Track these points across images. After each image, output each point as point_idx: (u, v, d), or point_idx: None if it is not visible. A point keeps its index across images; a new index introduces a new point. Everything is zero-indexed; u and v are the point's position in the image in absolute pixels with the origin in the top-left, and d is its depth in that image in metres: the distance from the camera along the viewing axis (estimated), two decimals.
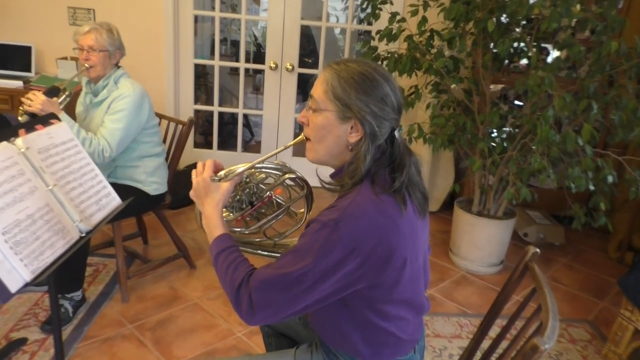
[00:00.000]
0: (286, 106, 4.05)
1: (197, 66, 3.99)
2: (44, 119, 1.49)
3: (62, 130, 1.52)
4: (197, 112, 4.19)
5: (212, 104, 4.28)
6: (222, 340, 2.33)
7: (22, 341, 2.20)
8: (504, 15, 2.67)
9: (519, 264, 1.36)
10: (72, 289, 2.36)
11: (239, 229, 1.43)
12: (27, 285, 1.18)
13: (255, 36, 6.25)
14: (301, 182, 1.40)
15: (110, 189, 1.62)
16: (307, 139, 1.20)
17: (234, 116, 4.98)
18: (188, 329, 2.38)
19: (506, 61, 2.90)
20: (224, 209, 1.39)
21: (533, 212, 3.64)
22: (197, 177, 1.29)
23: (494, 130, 2.92)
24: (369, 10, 2.84)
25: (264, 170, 1.38)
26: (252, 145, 5.16)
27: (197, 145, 4.36)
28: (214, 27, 3.97)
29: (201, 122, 5.16)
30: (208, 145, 4.53)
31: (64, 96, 2.29)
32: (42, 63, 3.77)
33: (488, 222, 2.94)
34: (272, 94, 4.02)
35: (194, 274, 2.86)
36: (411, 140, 2.99)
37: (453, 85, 2.80)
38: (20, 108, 2.14)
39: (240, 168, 1.29)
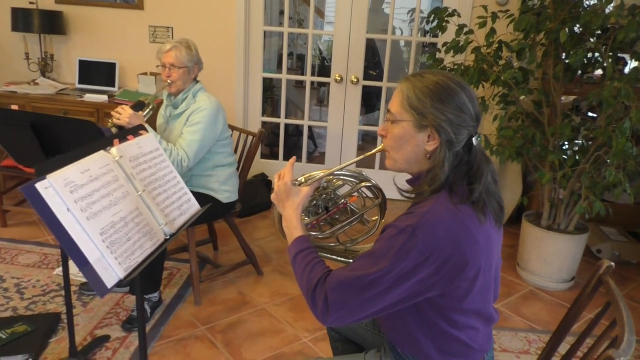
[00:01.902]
0: (350, 118, 4.11)
1: (264, 79, 4.14)
2: (134, 130, 1.62)
3: (149, 140, 1.65)
4: (263, 123, 4.34)
5: (277, 116, 4.42)
6: (289, 345, 2.40)
7: (105, 338, 2.36)
8: (577, 26, 2.61)
9: (591, 278, 1.33)
10: (150, 290, 2.51)
11: (313, 233, 1.50)
12: (120, 281, 1.30)
13: (319, 50, 6.38)
14: (376, 190, 1.44)
15: (190, 195, 1.73)
16: (386, 150, 1.25)
17: (298, 128, 5.11)
18: (256, 333, 2.47)
19: (579, 72, 2.83)
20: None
21: (607, 228, 3.49)
22: (279, 181, 1.36)
23: (565, 143, 2.84)
24: (435, 23, 2.86)
25: (341, 177, 1.44)
26: (315, 157, 5.26)
27: (263, 156, 4.50)
28: (281, 42, 4.11)
29: (267, 134, 5.32)
30: (273, 156, 4.67)
31: (147, 110, 2.47)
32: (124, 78, 4.04)
33: (558, 236, 2.86)
34: (337, 106, 4.10)
35: (261, 280, 2.96)
36: None
37: (522, 97, 2.76)
38: (110, 121, 2.33)
39: (320, 174, 1.36)
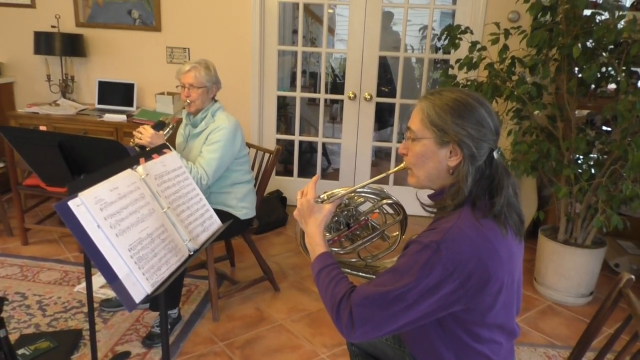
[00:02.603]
0: (364, 135, 4.15)
1: (278, 97, 4.21)
2: (158, 149, 1.67)
3: (172, 158, 1.70)
4: (278, 141, 4.39)
5: (291, 133, 4.47)
6: None
7: (126, 354, 2.38)
8: (590, 41, 2.64)
9: (611, 292, 1.34)
10: (170, 306, 2.54)
11: (334, 249, 1.53)
12: (148, 296, 1.33)
13: (332, 67, 6.46)
14: (397, 207, 1.47)
15: (212, 212, 1.77)
16: (409, 168, 1.28)
17: (311, 145, 5.16)
18: (274, 349, 2.48)
19: (592, 86, 2.85)
20: None
21: (625, 242, 3.46)
22: (302, 198, 1.39)
23: (580, 157, 2.85)
24: (447, 40, 2.90)
25: (363, 194, 1.47)
26: (329, 173, 5.29)
27: (277, 173, 4.55)
28: (294, 60, 4.17)
29: (281, 151, 5.37)
30: (287, 173, 4.71)
31: (167, 129, 2.52)
32: (142, 98, 4.13)
33: (575, 251, 2.85)
34: (351, 123, 4.15)
35: (278, 296, 2.97)
36: None
37: (536, 112, 2.78)
38: (132, 140, 2.39)
39: (342, 192, 1.39)
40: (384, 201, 1.44)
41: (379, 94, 4.21)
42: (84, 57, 4.08)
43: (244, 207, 2.67)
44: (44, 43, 3.92)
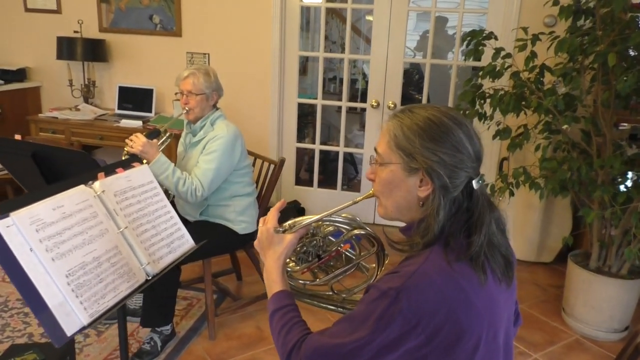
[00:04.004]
0: None
1: (304, 104, 4.07)
2: (125, 163, 1.55)
3: (142, 173, 1.58)
4: (300, 149, 4.25)
5: (321, 142, 4.32)
6: None
7: None
8: (630, 48, 2.36)
9: None
10: (161, 323, 2.42)
11: (306, 281, 1.36)
12: (84, 329, 1.20)
13: (364, 74, 6.28)
14: (372, 238, 1.29)
15: (184, 231, 1.63)
16: (376, 196, 1.11)
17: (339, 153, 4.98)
18: None
19: (633, 98, 2.55)
20: (291, 259, 1.34)
21: None
22: (262, 227, 1.25)
23: (618, 177, 2.55)
24: (471, 46, 2.67)
25: (333, 223, 1.30)
26: (355, 183, 5.10)
27: (301, 182, 4.39)
28: (330, 66, 4.01)
29: (307, 159, 5.23)
30: (309, 183, 4.55)
31: (164, 138, 2.42)
32: (162, 104, 4.09)
33: (608, 280, 2.55)
34: (374, 132, 3.96)
35: None
36: (518, 185, 2.72)
37: (565, 126, 2.51)
38: (125, 149, 2.30)
39: (307, 220, 1.23)
40: (355, 231, 1.26)
41: (409, 101, 4.00)
42: (105, 62, 4.07)
43: (243, 221, 2.53)
44: (66, 48, 3.93)
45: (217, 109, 2.52)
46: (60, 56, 3.97)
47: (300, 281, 1.36)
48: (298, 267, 1.33)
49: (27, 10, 4.14)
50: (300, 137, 4.49)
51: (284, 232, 1.22)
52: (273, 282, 1.19)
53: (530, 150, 2.84)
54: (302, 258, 1.34)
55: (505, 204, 3.31)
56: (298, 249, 1.32)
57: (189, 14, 3.88)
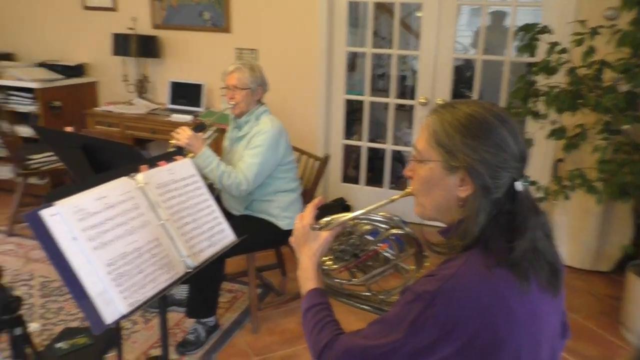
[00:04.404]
0: None
1: (353, 101, 4.04)
2: (169, 156, 1.57)
3: (184, 166, 1.59)
4: (348, 146, 4.21)
5: (372, 139, 4.27)
6: None
7: (157, 359, 2.34)
8: None
9: None
10: (205, 314, 2.46)
11: (343, 280, 1.34)
12: (123, 317, 1.22)
13: (414, 70, 6.16)
14: (410, 239, 1.25)
15: (225, 226, 1.63)
16: (414, 195, 1.07)
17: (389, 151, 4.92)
18: None
19: None
20: (328, 257, 1.32)
21: None
22: (298, 223, 1.23)
23: None
24: (525, 41, 2.55)
25: (371, 221, 1.26)
26: (402, 182, 5.00)
27: (348, 179, 4.35)
28: (375, 62, 3.96)
29: (355, 156, 5.18)
30: (356, 180, 4.50)
31: (210, 132, 2.45)
32: (212, 99, 4.15)
33: None
34: None
35: None
36: (573, 188, 2.58)
37: (626, 126, 2.36)
38: (170, 142, 2.34)
39: (343, 217, 1.21)
40: (393, 230, 1.22)
41: (459, 98, 3.88)
42: (158, 58, 4.17)
43: (287, 217, 2.53)
44: (121, 44, 4.06)
45: (262, 104, 2.53)
46: (115, 52, 4.10)
47: (337, 280, 1.33)
48: (335, 266, 1.31)
49: (85, 8, 4.30)
50: (349, 134, 4.45)
51: (320, 229, 1.20)
52: (307, 280, 1.18)
53: (587, 151, 2.68)
54: (339, 256, 1.31)
55: (559, 208, 3.16)
56: (335, 247, 1.29)
57: (238, 10, 3.92)
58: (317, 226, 1.20)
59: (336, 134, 4.07)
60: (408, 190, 1.09)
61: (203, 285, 2.34)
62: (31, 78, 3.97)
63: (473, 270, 0.90)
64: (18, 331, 1.56)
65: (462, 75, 5.44)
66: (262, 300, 2.88)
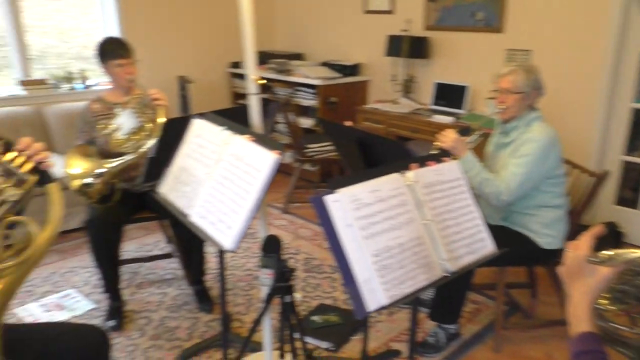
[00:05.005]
0: None
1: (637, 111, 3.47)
2: (437, 156, 1.57)
3: (452, 168, 1.58)
4: (627, 163, 3.63)
5: None
6: None
7: (396, 353, 2.41)
8: None
9: None
10: (448, 320, 2.42)
11: (621, 326, 1.14)
12: (382, 308, 1.27)
13: None
14: None
15: (486, 234, 1.57)
16: None
17: None
18: None
19: None
20: (604, 296, 1.14)
21: None
22: (572, 253, 1.09)
23: None
24: None
25: None
26: None
27: (623, 202, 3.77)
28: None
29: (635, 175, 4.45)
30: (633, 203, 3.86)
31: (475, 136, 2.38)
32: (475, 101, 4.05)
33: None
34: None
35: None
36: None
37: None
38: (434, 143, 2.35)
39: (632, 254, 1.02)
40: None
41: None
42: (426, 58, 4.25)
43: (548, 235, 2.30)
44: (394, 46, 4.27)
45: (535, 109, 2.34)
46: (388, 53, 4.33)
47: (613, 324, 1.14)
48: (613, 307, 1.12)
49: (366, 12, 4.64)
50: (631, 149, 3.83)
51: (599, 263, 1.03)
52: (579, 319, 1.03)
53: None
54: (619, 298, 1.11)
55: None
56: (615, 285, 1.10)
57: (515, 9, 3.72)
58: (595, 259, 1.04)
59: (615, 148, 3.54)
60: None
61: (450, 290, 2.30)
62: (315, 76, 4.48)
63: None
64: (288, 299, 1.77)
65: None
66: (508, 319, 2.70)
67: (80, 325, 1.58)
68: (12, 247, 1.14)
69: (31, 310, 2.71)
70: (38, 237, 1.13)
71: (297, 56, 5.10)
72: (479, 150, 2.74)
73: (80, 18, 4.46)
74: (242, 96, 5.23)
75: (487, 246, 1.56)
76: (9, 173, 1.17)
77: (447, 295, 2.37)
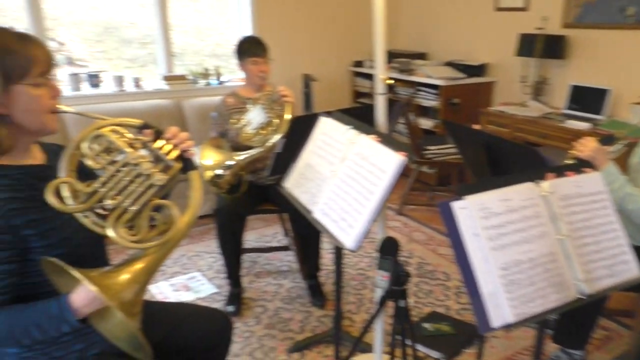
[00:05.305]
0: None
1: None
2: (577, 166, 1.45)
3: (593, 180, 1.44)
4: None
5: None
6: None
7: None
8: None
9: None
10: (573, 345, 2.23)
11: None
12: (508, 326, 1.20)
13: None
14: None
15: (630, 257, 1.41)
16: None
17: None
18: None
19: None
20: None
21: None
22: None
23: None
24: None
25: None
26: None
27: None
28: None
29: None
30: None
31: (619, 145, 2.15)
32: (618, 107, 3.68)
33: None
34: None
35: None
36: None
37: None
38: (570, 152, 2.16)
39: None
40: None
41: None
42: (562, 59, 3.94)
43: None
44: (526, 45, 4.01)
45: None
46: (519, 53, 4.09)
47: None
48: None
49: (497, 9, 4.41)
50: None
51: None
52: None
53: None
54: None
55: None
56: None
57: None
58: None
59: None
60: None
61: (580, 313, 2.11)
62: (438, 76, 4.36)
63: None
64: (402, 303, 1.74)
65: None
66: None
67: (208, 309, 1.68)
68: (156, 228, 1.23)
69: (162, 289, 2.96)
70: (179, 221, 1.21)
71: (421, 55, 5.00)
72: (620, 162, 2.49)
73: (216, 18, 4.78)
74: (363, 95, 5.26)
75: (631, 269, 1.40)
76: (157, 159, 1.26)
77: (575, 318, 2.18)
